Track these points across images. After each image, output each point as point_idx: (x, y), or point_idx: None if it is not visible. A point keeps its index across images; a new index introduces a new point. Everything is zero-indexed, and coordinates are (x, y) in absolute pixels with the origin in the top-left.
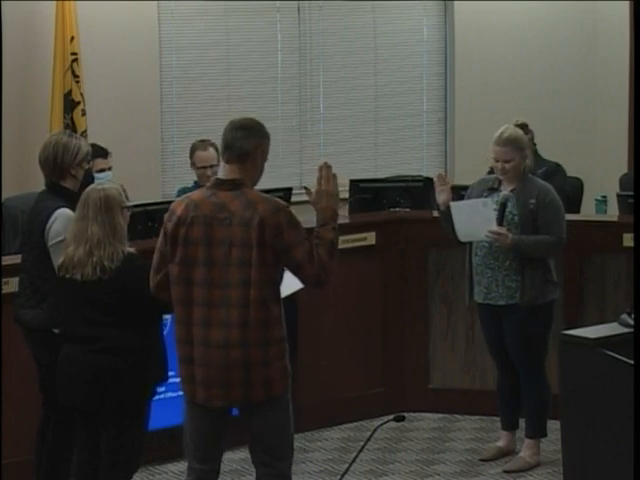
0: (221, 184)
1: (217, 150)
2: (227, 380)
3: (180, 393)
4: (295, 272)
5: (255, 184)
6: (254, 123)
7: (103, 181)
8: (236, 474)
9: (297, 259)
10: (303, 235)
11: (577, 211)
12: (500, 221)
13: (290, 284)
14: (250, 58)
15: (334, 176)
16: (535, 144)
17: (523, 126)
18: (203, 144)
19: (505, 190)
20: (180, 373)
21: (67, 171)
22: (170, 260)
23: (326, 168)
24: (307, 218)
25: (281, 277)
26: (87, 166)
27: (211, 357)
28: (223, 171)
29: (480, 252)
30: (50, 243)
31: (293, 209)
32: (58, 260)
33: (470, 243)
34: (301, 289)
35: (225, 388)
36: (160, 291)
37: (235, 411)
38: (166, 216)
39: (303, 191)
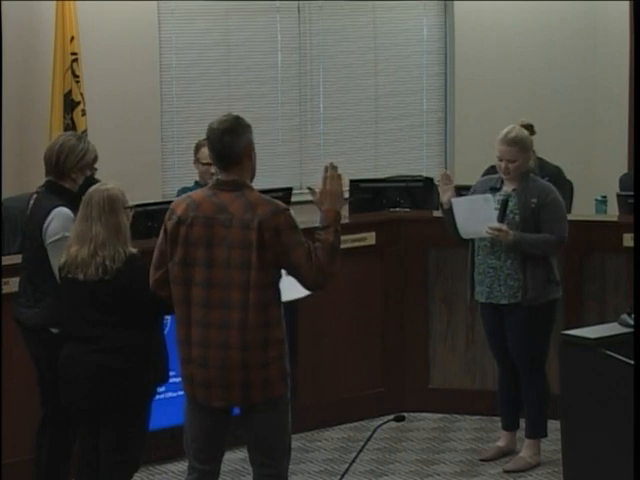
0: (222, 184)
1: None
2: (226, 381)
3: (180, 393)
4: (293, 274)
5: (254, 175)
6: (235, 123)
7: (106, 181)
8: (236, 474)
9: (294, 261)
10: (301, 238)
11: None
12: (501, 219)
13: (294, 290)
14: (250, 58)
15: (339, 176)
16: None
17: (528, 127)
18: None
19: (508, 189)
20: (180, 373)
21: (68, 174)
22: (170, 259)
23: (331, 168)
24: (309, 218)
25: (279, 278)
26: (89, 173)
27: (210, 358)
28: (222, 174)
29: (482, 251)
30: (48, 242)
31: (294, 209)
32: (56, 259)
33: (472, 243)
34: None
35: (224, 389)
36: (159, 288)
37: (236, 410)
38: (167, 215)
39: (303, 191)
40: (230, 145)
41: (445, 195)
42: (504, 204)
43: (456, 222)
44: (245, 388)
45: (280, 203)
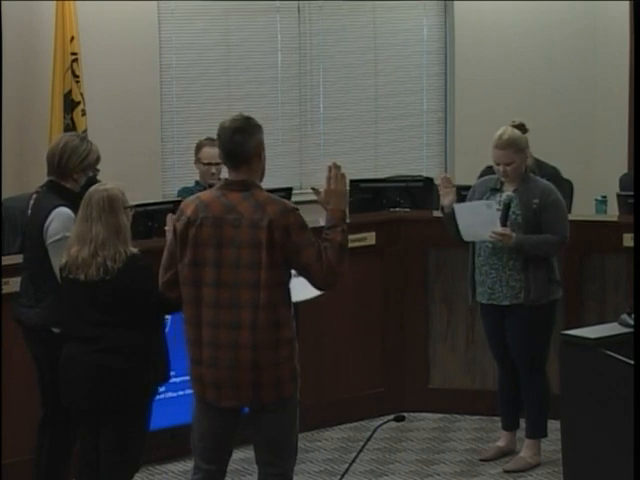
0: (231, 185)
1: None
2: (237, 381)
3: (181, 393)
4: (303, 274)
5: (264, 175)
6: (246, 122)
7: (106, 181)
8: (236, 474)
9: (305, 261)
10: (311, 237)
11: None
12: (504, 222)
13: (304, 291)
14: (250, 58)
15: (342, 176)
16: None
17: (520, 126)
18: (211, 141)
19: (508, 190)
20: (190, 373)
21: (70, 175)
22: (179, 260)
23: (335, 168)
24: (309, 218)
25: (289, 278)
26: (91, 174)
27: (220, 358)
28: (231, 174)
29: (483, 253)
30: (48, 242)
31: None
32: (56, 259)
33: (473, 244)
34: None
35: (235, 389)
36: (169, 289)
37: (245, 410)
38: (175, 215)
39: (303, 191)
40: (240, 144)
41: (446, 198)
42: (506, 207)
43: (459, 227)
44: (256, 388)
45: (289, 203)
